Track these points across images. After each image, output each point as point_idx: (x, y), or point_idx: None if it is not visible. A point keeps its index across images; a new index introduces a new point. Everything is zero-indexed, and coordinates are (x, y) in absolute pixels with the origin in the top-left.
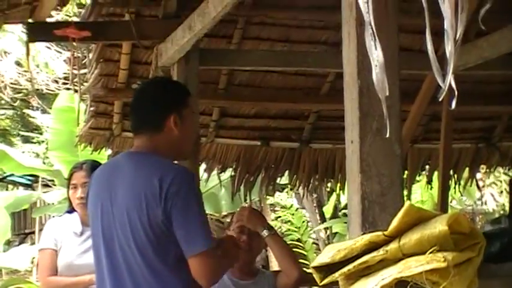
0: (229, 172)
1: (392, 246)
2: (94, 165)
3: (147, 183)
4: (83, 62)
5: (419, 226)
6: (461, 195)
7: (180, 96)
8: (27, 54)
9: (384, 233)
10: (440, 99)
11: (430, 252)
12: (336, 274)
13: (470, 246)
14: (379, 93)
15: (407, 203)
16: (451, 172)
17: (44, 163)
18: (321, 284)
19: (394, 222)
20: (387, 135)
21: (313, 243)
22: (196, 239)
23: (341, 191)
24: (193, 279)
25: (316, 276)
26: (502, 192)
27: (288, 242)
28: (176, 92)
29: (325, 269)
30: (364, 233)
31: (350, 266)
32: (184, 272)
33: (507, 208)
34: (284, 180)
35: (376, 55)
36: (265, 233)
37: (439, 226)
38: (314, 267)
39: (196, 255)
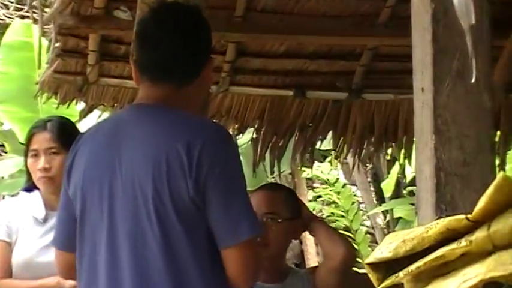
0: (249, 134)
1: (479, 234)
2: (62, 123)
3: (169, 148)
4: None
5: None
6: None
7: (210, 33)
8: None
9: (468, 217)
10: None
11: None
12: (401, 274)
13: None
14: (461, 20)
15: (500, 175)
16: None
17: None
18: None
19: (482, 202)
20: (472, 80)
21: (367, 232)
22: (240, 224)
23: (406, 160)
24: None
25: (372, 276)
26: None
27: None
28: (208, 26)
29: (384, 266)
30: (439, 217)
31: (420, 263)
32: (221, 273)
33: None
34: (326, 145)
35: None
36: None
37: None
38: (369, 265)
39: (239, 244)
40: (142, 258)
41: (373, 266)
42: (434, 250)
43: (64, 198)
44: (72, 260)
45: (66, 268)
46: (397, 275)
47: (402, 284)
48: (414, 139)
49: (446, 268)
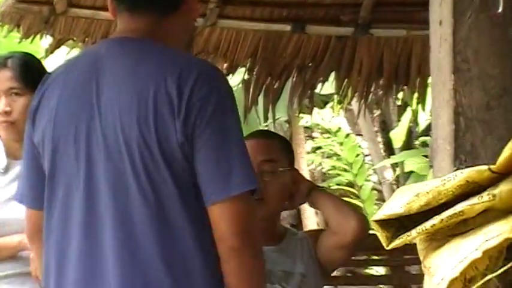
0: (240, 74)
1: (504, 188)
2: (26, 60)
3: (156, 83)
4: None
5: None
6: None
7: None
8: None
9: (491, 168)
10: None
11: None
12: (413, 232)
13: None
14: None
15: None
16: None
17: None
18: (388, 248)
19: (507, 151)
20: (499, 11)
21: (374, 188)
22: (232, 174)
23: (420, 106)
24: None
25: (381, 235)
26: None
27: (334, 188)
28: None
29: (395, 224)
30: (458, 169)
31: (435, 220)
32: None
33: None
34: (328, 88)
35: None
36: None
37: None
38: (378, 222)
39: (229, 199)
40: (127, 217)
41: (382, 223)
42: (452, 206)
43: (29, 147)
44: None
45: (37, 229)
46: (409, 233)
47: (415, 243)
48: (430, 80)
49: (465, 226)
